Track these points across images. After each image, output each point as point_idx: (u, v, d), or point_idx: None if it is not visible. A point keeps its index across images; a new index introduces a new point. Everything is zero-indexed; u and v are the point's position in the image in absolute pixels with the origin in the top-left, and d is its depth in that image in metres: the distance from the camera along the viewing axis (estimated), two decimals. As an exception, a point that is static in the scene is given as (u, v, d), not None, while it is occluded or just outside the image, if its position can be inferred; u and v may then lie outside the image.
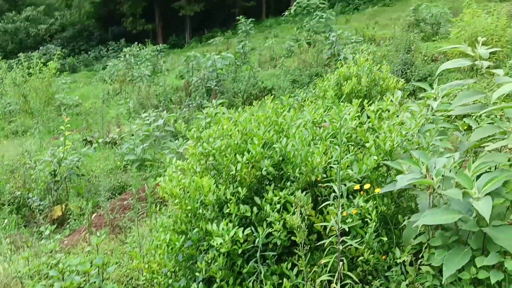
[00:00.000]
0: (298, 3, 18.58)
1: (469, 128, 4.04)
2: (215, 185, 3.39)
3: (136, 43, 21.82)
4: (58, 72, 16.07)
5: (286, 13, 18.63)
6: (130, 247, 4.46)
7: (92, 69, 26.91)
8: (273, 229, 3.06)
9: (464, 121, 4.17)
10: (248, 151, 3.34)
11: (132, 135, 8.72)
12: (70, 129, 10.14)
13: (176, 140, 7.96)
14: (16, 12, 35.52)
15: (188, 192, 3.49)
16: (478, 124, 3.91)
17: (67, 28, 36.48)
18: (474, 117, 5.88)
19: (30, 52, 20.75)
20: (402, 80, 7.47)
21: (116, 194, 6.74)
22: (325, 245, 2.83)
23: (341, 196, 2.85)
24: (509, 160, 3.12)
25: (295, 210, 2.88)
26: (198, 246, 3.38)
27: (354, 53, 11.27)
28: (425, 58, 12.77)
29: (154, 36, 34.04)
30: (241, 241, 3.03)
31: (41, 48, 30.81)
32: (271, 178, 3.43)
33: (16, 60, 18.48)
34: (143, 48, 20.84)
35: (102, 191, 5.83)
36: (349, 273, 2.78)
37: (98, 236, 3.77)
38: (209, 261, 3.14)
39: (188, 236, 3.44)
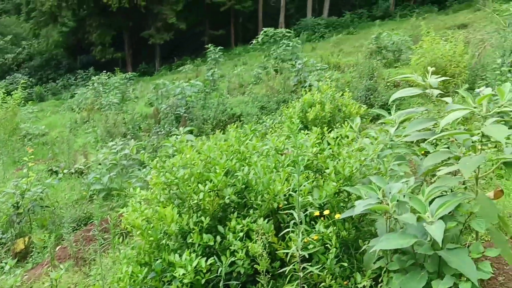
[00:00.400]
0: (265, 32, 18.98)
1: (427, 153, 4.19)
2: (178, 214, 3.39)
3: (105, 71, 21.71)
4: (24, 102, 15.78)
5: (254, 41, 18.98)
6: (94, 280, 4.36)
7: (60, 98, 26.53)
8: (236, 258, 3.07)
9: (421, 146, 4.33)
10: (211, 180, 3.37)
11: (99, 164, 8.60)
12: (35, 159, 9.94)
13: (144, 169, 7.90)
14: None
15: (151, 223, 3.48)
16: (435, 148, 4.07)
17: (35, 57, 36.08)
18: (432, 142, 6.10)
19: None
20: (365, 106, 7.69)
21: (81, 225, 6.58)
22: (286, 272, 2.85)
23: (302, 222, 2.89)
24: (464, 183, 3.26)
25: (257, 238, 2.91)
26: (161, 278, 3.34)
27: (319, 80, 11.55)
28: (388, 84, 13.17)
29: (124, 64, 34.00)
30: (204, 271, 3.02)
31: (8, 77, 30.28)
32: (235, 206, 3.45)
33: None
34: (112, 76, 20.74)
35: (66, 223, 5.69)
36: (310, 299, 2.81)
37: (61, 269, 3.68)
38: (172, 292, 3.11)
39: (152, 267, 3.41)
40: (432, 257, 2.62)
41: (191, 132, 9.09)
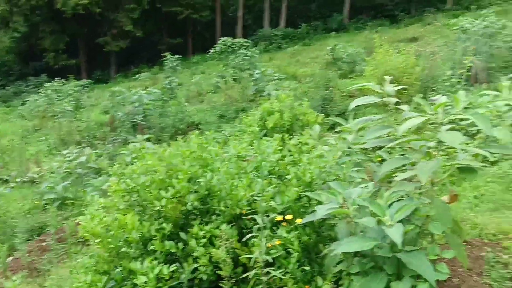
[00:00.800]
0: (223, 41, 19.06)
1: (383, 160, 4.34)
2: (139, 222, 3.34)
3: (58, 78, 21.06)
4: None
5: (212, 50, 19.00)
6: (49, 292, 4.21)
7: (10, 105, 25.43)
8: (199, 264, 3.05)
9: (378, 153, 4.48)
10: (173, 186, 3.34)
11: (53, 172, 8.33)
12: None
13: (100, 177, 7.72)
14: None
15: (110, 231, 3.40)
16: (390, 155, 4.22)
17: (-16, 63, 34.51)
18: (387, 149, 6.31)
19: None
20: (322, 115, 7.87)
21: (35, 236, 6.34)
22: (250, 277, 2.86)
23: (265, 227, 2.92)
24: (420, 189, 3.39)
25: (220, 243, 2.91)
26: (122, 286, 3.27)
27: (277, 90, 11.72)
28: (343, 94, 13.53)
29: (78, 71, 33.07)
30: (167, 278, 2.99)
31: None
32: (197, 213, 3.44)
33: None
34: (66, 83, 20.15)
35: (19, 233, 5.47)
36: (274, 304, 2.83)
37: (13, 280, 3.53)
38: (133, 301, 3.05)
39: (111, 276, 3.33)
40: (391, 259, 2.71)
41: (149, 140, 8.97)
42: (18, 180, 9.32)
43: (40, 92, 20.31)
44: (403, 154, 4.10)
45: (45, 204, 7.66)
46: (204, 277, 3.07)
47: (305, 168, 3.62)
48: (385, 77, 3.36)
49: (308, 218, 3.16)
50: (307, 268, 3.05)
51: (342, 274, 2.95)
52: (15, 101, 26.34)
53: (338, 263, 3.01)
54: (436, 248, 2.69)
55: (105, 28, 32.54)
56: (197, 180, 3.48)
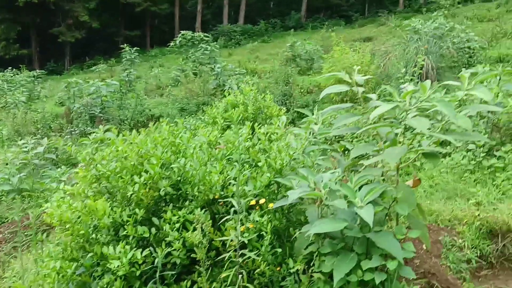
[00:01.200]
0: (183, 35, 18.87)
1: (345, 150, 4.52)
2: (110, 208, 3.32)
3: (10, 68, 20.17)
4: None
5: (172, 43, 18.78)
6: (10, 281, 4.09)
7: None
8: (172, 249, 3.07)
9: (341, 144, 4.65)
10: (146, 171, 3.34)
11: (7, 164, 8.01)
12: None
13: (59, 169, 7.51)
14: None
15: (79, 217, 3.36)
16: (353, 145, 4.39)
17: None
18: (350, 139, 6.54)
19: None
20: (284, 108, 8.01)
21: (-11, 228, 6.10)
22: (225, 259, 2.92)
23: (241, 211, 2.99)
24: (382, 175, 3.56)
25: (196, 226, 2.95)
26: (92, 273, 3.24)
27: (239, 85, 11.77)
28: (302, 90, 13.78)
29: (30, 61, 31.75)
30: (140, 262, 2.99)
31: None
32: (169, 199, 3.45)
33: None
34: (17, 74, 19.33)
35: (-27, 225, 5.25)
36: (248, 285, 2.90)
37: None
38: (105, 286, 3.04)
39: (80, 262, 3.29)
40: (360, 239, 2.84)
41: (109, 131, 8.80)
42: (-32, 171, 8.89)
43: (-11, 82, 19.38)
44: (365, 142, 4.29)
45: (0, 196, 7.38)
46: (178, 261, 3.10)
47: (275, 155, 3.71)
48: (354, 67, 3.50)
49: (280, 203, 3.25)
50: (279, 250, 3.14)
51: (313, 255, 3.06)
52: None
53: (308, 245, 3.12)
54: (403, 228, 2.85)
55: (59, 18, 31.40)
56: (170, 166, 3.50)
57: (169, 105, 12.45)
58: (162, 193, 3.34)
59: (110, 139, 4.15)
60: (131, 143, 3.72)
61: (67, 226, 3.32)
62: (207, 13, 38.90)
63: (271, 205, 3.25)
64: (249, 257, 2.98)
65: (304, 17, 36.76)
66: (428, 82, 2.86)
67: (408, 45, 13.75)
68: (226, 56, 22.84)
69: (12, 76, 18.75)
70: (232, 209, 3.04)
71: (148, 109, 12.00)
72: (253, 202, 3.24)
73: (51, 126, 12.22)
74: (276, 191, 3.70)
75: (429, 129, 2.83)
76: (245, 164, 3.64)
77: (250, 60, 19.66)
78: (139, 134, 3.96)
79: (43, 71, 22.25)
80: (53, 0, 29.58)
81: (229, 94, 7.72)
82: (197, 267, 3.05)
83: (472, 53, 13.70)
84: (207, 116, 7.60)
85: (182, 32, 18.92)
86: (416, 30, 14.20)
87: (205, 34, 18.49)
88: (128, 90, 14.57)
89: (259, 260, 2.99)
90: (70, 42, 31.61)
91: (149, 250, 3.07)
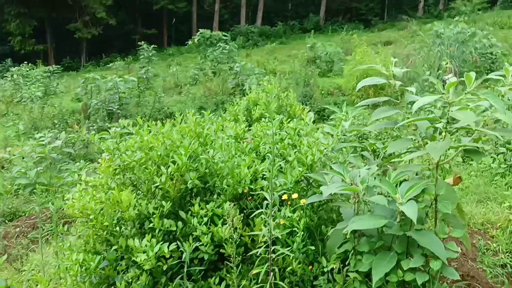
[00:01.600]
0: (201, 33, 18.81)
1: (375, 148, 4.36)
2: (135, 200, 3.20)
3: (25, 62, 20.28)
4: None
5: (190, 42, 18.72)
6: (29, 273, 4.00)
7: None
8: (200, 243, 2.94)
9: (370, 142, 4.49)
10: (174, 162, 3.22)
11: (24, 157, 7.97)
12: None
13: (77, 163, 7.44)
14: None
15: (102, 209, 3.25)
16: (383, 144, 4.23)
17: None
18: (379, 138, 6.37)
19: None
20: (307, 107, 7.86)
21: (6, 221, 6.05)
22: (258, 254, 2.77)
23: (274, 204, 2.85)
24: (417, 174, 3.40)
25: (227, 221, 2.81)
26: (116, 266, 3.13)
27: (259, 84, 11.65)
28: (322, 92, 13.62)
29: (45, 57, 31.98)
30: (167, 256, 2.87)
31: None
32: (196, 191, 3.33)
33: None
34: (33, 69, 19.43)
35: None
36: (280, 282, 2.76)
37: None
38: (130, 280, 2.92)
39: (103, 256, 3.18)
40: (400, 238, 2.69)
41: (133, 124, 8.72)
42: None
43: (6, 77, 19.50)
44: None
45: (16, 189, 7.33)
46: (206, 256, 2.97)
47: (306, 150, 3.57)
48: (392, 58, 3.34)
49: (312, 199, 3.11)
50: (311, 248, 2.99)
51: (347, 254, 2.91)
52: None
53: (342, 244, 2.97)
54: (445, 227, 2.68)
55: (76, 14, 31.59)
56: (197, 158, 3.37)
57: (188, 104, 12.36)
58: (189, 185, 3.21)
59: (129, 133, 4.06)
60: (157, 133, 3.61)
61: (90, 218, 3.22)
62: (225, 13, 38.89)
63: (303, 201, 3.10)
64: (280, 254, 2.83)
65: (323, 20, 36.56)
66: (473, 73, 2.69)
67: (430, 48, 13.55)
68: (243, 56, 22.74)
69: (28, 71, 18.82)
70: (265, 202, 2.88)
71: (166, 107, 11.92)
72: (285, 197, 3.09)
73: (68, 121, 12.21)
74: (305, 188, 3.56)
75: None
76: (275, 158, 3.50)
77: (268, 60, 19.54)
78: (164, 126, 3.86)
79: (59, 66, 22.32)
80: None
81: (249, 92, 7.60)
82: (226, 263, 2.91)
83: (495, 59, 13.46)
84: (228, 114, 7.50)
85: (201, 30, 18.87)
86: (439, 34, 13.99)
87: (224, 33, 18.42)
88: (146, 87, 14.51)
89: (291, 258, 2.84)
90: (86, 38, 31.77)
91: (176, 244, 2.94)
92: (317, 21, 35.83)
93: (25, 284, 3.88)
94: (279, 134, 3.86)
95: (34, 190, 7.23)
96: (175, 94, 14.72)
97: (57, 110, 12.35)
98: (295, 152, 3.62)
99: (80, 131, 9.94)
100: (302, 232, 2.91)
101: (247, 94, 7.83)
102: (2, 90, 18.07)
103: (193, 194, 3.37)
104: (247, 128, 4.32)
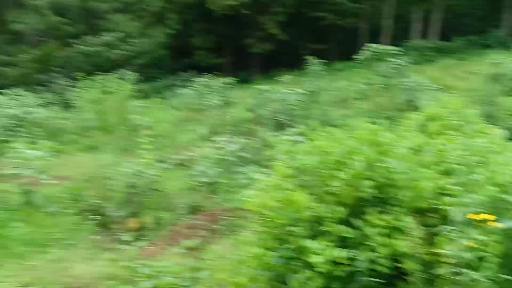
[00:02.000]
0: (371, 48, 18.46)
1: None
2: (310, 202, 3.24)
3: (207, 74, 22.47)
4: (131, 96, 16.79)
5: (360, 56, 18.54)
6: (209, 263, 4.34)
7: (162, 96, 27.82)
8: (377, 255, 2.83)
9: None
10: (351, 167, 3.17)
11: (204, 158, 8.78)
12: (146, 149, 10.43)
13: (250, 167, 7.92)
14: (93, 36, 37.14)
15: (280, 208, 3.36)
16: None
17: (141, 55, 38.08)
18: None
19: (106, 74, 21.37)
20: (494, 126, 7.09)
21: (189, 213, 6.72)
22: (441, 274, 2.56)
23: (462, 223, 2.61)
24: None
25: (411, 234, 2.65)
26: (290, 265, 3.19)
27: (433, 100, 10.95)
28: (508, 112, 12.17)
29: (220, 70, 34.92)
30: (343, 262, 2.82)
31: (117, 72, 32.32)
32: (373, 201, 3.23)
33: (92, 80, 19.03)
34: (213, 80, 21.41)
35: (179, 208, 5.81)
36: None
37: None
38: (304, 281, 2.94)
39: (277, 253, 3.28)
40: None
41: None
42: (172, 161, 10.05)
43: (190, 87, 21.82)
44: None
45: (198, 186, 8.09)
46: (381, 268, 2.85)
47: (497, 168, 3.20)
48: None
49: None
50: (507, 277, 2.64)
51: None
52: (165, 93, 28.66)
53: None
54: None
55: (250, 30, 33.85)
56: (374, 166, 3.27)
57: (355, 117, 12.23)
58: (365, 194, 3.12)
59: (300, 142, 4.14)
60: (332, 139, 3.62)
61: (267, 215, 3.36)
62: (394, 28, 37.66)
63: (498, 225, 2.77)
64: (468, 279, 2.56)
65: (507, 35, 32.86)
66: None
67: None
68: (416, 72, 21.62)
69: (208, 82, 20.80)
70: (449, 220, 2.65)
71: (333, 120, 11.97)
72: (475, 217, 2.80)
73: (242, 128, 13.10)
74: (498, 209, 3.18)
75: None
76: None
77: (444, 76, 18.27)
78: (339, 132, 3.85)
79: (236, 78, 24.15)
80: (245, 13, 32.00)
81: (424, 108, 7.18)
82: (405, 278, 2.75)
83: None
84: (401, 127, 7.20)
85: (370, 45, 18.56)
86: None
87: (395, 48, 17.84)
88: (313, 100, 14.82)
89: (485, 285, 2.55)
90: (257, 53, 33.79)
91: (352, 252, 2.88)
92: (500, 36, 32.34)
93: (205, 272, 4.19)
94: (468, 149, 3.54)
95: (214, 188, 7.92)
96: (342, 108, 14.72)
97: (233, 118, 13.35)
98: (486, 169, 3.28)
99: (255, 137, 10.61)
100: (498, 259, 2.59)
101: (420, 110, 7.42)
102: (187, 98, 20.31)
103: (366, 203, 3.29)
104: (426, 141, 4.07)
